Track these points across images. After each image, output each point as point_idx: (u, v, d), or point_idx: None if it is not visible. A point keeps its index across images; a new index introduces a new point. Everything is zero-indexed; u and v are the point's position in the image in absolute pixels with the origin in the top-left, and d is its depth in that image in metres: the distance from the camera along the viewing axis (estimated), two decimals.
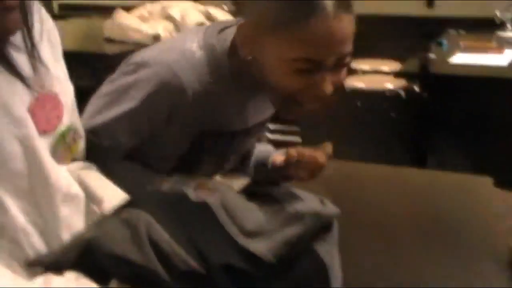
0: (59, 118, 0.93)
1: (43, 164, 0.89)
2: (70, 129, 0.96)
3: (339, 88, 1.19)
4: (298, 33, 1.10)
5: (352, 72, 3.66)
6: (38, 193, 0.89)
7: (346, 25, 1.13)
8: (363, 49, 3.87)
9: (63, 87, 0.97)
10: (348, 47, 1.16)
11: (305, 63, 1.13)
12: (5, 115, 0.85)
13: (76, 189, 0.96)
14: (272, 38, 1.13)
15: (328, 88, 1.16)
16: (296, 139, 3.73)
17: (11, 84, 0.86)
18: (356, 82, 3.38)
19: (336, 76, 1.17)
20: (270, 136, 4.24)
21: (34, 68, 0.90)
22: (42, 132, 0.90)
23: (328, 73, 1.15)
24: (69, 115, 0.97)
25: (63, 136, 0.94)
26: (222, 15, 3.72)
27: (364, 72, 3.64)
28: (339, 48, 1.14)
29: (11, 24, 0.82)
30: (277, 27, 1.12)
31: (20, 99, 0.87)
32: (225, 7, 4.02)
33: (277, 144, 4.40)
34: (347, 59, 1.17)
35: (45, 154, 0.90)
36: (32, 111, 0.88)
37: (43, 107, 0.90)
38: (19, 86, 0.87)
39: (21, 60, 0.89)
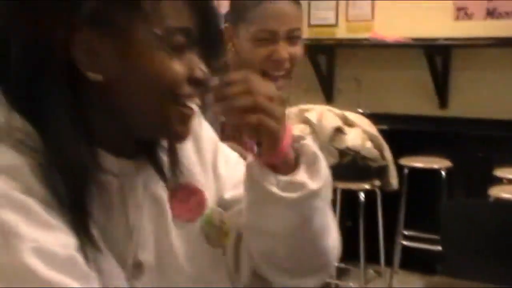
0: (200, 204, 0.93)
1: (175, 254, 0.89)
2: (214, 211, 0.95)
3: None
4: (256, 13, 1.56)
5: (497, 181, 3.46)
6: (173, 285, 0.88)
7: (288, 7, 1.59)
8: (509, 156, 3.69)
9: (204, 186, 0.96)
10: (293, 23, 1.59)
11: (264, 33, 1.56)
12: (146, 203, 0.87)
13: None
14: (242, 24, 1.59)
15: (284, 54, 1.56)
16: (436, 248, 3.54)
17: (155, 176, 0.89)
18: (501, 192, 3.18)
19: (291, 48, 1.58)
20: (407, 243, 4.07)
21: (174, 167, 0.91)
22: (184, 221, 0.91)
23: (282, 42, 1.56)
24: (213, 201, 0.97)
25: (209, 220, 0.93)
26: (357, 118, 3.70)
27: (511, 182, 3.42)
28: (285, 21, 1.57)
29: (186, 134, 0.85)
30: (244, 15, 1.59)
31: (161, 189, 0.89)
32: (360, 110, 4.01)
33: (415, 251, 4.14)
34: (296, 33, 1.59)
35: (179, 244, 0.90)
36: (169, 202, 0.90)
37: (181, 197, 0.91)
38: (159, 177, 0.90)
39: (163, 156, 0.91)
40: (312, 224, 0.88)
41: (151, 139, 0.88)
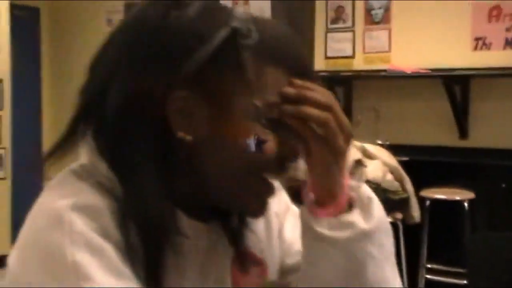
0: (261, 276, 0.90)
1: None
2: (275, 284, 0.92)
3: None
4: None
5: None
6: None
7: None
8: None
9: (267, 255, 0.93)
10: None
11: None
12: (210, 268, 0.85)
13: None
14: None
15: None
16: (461, 281, 3.47)
17: (223, 241, 0.87)
18: None
19: None
20: (430, 276, 4.00)
21: (240, 234, 0.89)
22: None
23: None
24: (275, 270, 0.94)
25: None
26: (377, 150, 3.68)
27: None
28: None
29: (262, 211, 0.83)
30: None
31: (225, 254, 0.87)
32: (379, 141, 3.98)
33: (438, 284, 4.05)
34: None
35: None
36: (231, 269, 0.87)
37: (243, 266, 0.88)
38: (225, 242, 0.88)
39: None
40: (365, 274, 0.79)
41: (227, 208, 0.85)
